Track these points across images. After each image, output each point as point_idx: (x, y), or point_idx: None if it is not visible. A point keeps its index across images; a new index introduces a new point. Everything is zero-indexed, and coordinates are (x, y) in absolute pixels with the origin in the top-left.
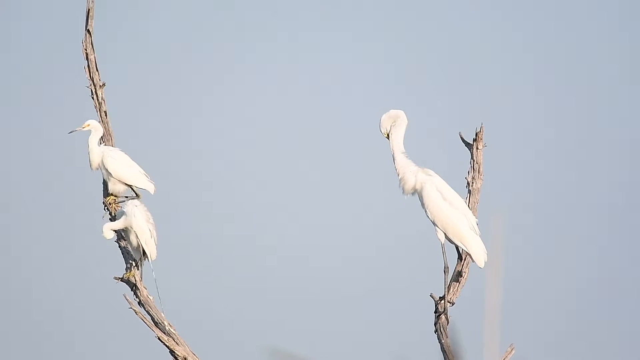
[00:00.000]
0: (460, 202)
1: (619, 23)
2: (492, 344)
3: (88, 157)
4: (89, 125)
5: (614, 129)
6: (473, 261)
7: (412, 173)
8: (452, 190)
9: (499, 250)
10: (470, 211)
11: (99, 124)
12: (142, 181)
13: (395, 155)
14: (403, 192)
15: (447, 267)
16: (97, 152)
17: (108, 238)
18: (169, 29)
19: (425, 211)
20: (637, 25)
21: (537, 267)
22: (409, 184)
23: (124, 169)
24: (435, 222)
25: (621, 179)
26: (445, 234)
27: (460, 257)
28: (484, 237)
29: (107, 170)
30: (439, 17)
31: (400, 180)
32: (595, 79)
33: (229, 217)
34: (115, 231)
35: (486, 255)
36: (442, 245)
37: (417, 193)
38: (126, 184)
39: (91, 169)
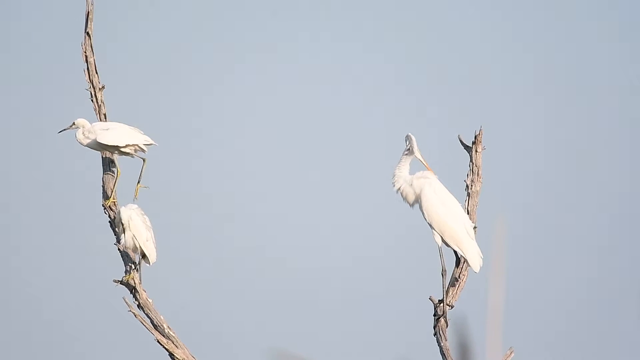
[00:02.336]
0: (457, 206)
1: (619, 24)
2: (494, 346)
3: (89, 147)
4: (74, 124)
5: (614, 131)
6: (469, 265)
7: (406, 183)
8: (450, 194)
9: (501, 253)
10: (467, 215)
11: (85, 121)
12: (141, 138)
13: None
14: (410, 205)
15: (445, 270)
16: (89, 139)
17: (124, 215)
18: (168, 31)
19: (423, 214)
20: (638, 25)
21: (536, 270)
22: (409, 193)
23: (120, 135)
24: (432, 225)
25: (621, 180)
26: (441, 237)
27: (458, 260)
28: (485, 239)
29: (107, 145)
30: (439, 19)
31: (401, 194)
32: (595, 81)
33: (229, 218)
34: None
35: (482, 259)
36: (439, 249)
37: (416, 196)
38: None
39: (102, 150)
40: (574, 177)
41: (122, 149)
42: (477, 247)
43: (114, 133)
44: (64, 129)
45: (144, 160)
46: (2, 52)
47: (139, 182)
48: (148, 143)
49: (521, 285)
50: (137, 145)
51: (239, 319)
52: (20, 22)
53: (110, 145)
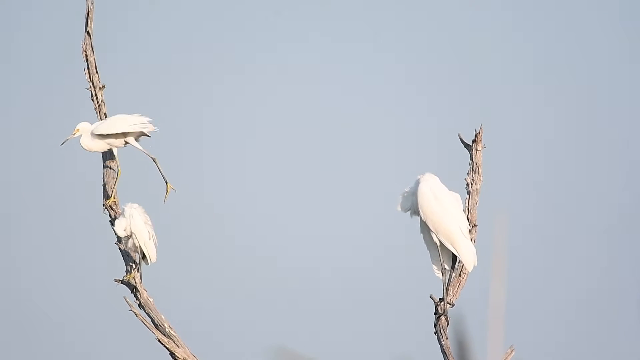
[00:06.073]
0: (453, 205)
1: (620, 23)
2: (495, 345)
3: (95, 151)
4: (78, 130)
5: (615, 129)
6: (463, 264)
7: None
8: (447, 193)
9: (502, 251)
10: (467, 214)
11: (87, 124)
12: (135, 119)
13: None
14: (410, 211)
15: (445, 269)
16: (92, 142)
17: (122, 236)
18: (169, 30)
19: (419, 211)
20: (638, 25)
21: (537, 268)
22: (406, 197)
23: (117, 123)
24: (427, 223)
25: (622, 179)
26: (436, 235)
27: (455, 259)
28: (486, 238)
29: (108, 134)
30: (439, 17)
31: (401, 204)
32: (595, 79)
33: (230, 217)
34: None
35: (476, 259)
36: (438, 247)
37: (414, 195)
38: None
39: (112, 146)
40: (574, 175)
41: (126, 139)
42: (472, 246)
43: (111, 122)
44: (67, 139)
45: (154, 160)
46: (2, 51)
47: (166, 182)
48: (143, 125)
49: (522, 283)
50: (135, 127)
51: (240, 318)
52: (20, 21)
53: (112, 135)
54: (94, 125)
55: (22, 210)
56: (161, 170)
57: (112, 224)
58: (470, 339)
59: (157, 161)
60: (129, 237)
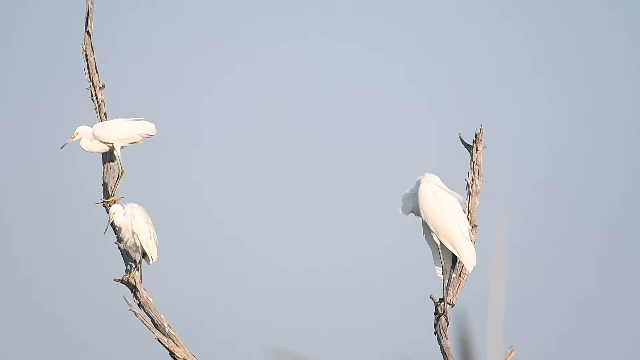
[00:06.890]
0: (454, 205)
1: (620, 23)
2: (495, 345)
3: (94, 153)
4: (77, 133)
5: (615, 130)
6: (463, 265)
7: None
8: (449, 194)
9: (502, 251)
10: (467, 214)
11: (87, 127)
12: (142, 126)
13: None
14: (413, 212)
15: (445, 269)
16: (93, 144)
17: (113, 216)
18: (169, 30)
19: (420, 211)
20: (638, 25)
21: (537, 268)
22: (406, 201)
23: (119, 128)
24: (428, 223)
25: (622, 179)
26: (437, 235)
27: (455, 259)
28: (486, 238)
29: (109, 142)
30: (440, 18)
31: (402, 207)
32: (596, 79)
33: (229, 217)
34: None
35: (476, 260)
36: (439, 247)
37: (415, 195)
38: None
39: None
40: (575, 175)
41: (127, 141)
42: (472, 247)
43: (112, 128)
44: (66, 143)
45: (122, 172)
46: (2, 51)
47: (113, 194)
48: (148, 133)
49: (522, 283)
50: (141, 134)
51: (239, 318)
52: (20, 21)
53: (113, 141)
54: (95, 125)
55: (22, 210)
56: (119, 184)
57: (113, 223)
58: (473, 336)
59: (122, 176)
60: (130, 233)
